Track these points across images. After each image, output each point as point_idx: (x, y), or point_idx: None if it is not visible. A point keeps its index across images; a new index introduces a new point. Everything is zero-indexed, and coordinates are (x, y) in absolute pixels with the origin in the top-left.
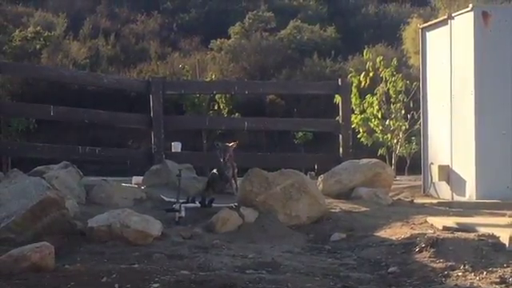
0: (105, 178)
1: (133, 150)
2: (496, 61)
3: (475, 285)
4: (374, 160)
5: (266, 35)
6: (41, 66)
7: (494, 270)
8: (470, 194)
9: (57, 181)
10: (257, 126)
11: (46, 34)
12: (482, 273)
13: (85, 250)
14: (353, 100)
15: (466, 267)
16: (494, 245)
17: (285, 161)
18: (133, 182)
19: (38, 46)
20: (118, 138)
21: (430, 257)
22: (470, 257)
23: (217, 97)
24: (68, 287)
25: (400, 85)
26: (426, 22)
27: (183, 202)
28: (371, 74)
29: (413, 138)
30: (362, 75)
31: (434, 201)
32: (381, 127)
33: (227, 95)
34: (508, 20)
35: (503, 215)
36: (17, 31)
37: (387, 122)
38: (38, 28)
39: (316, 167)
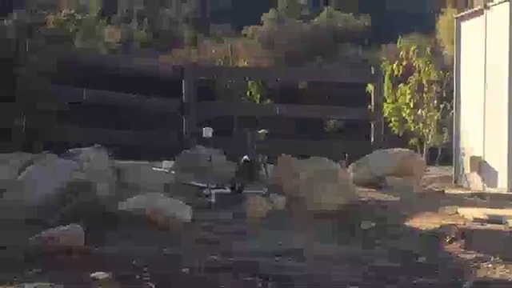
0: (136, 161)
1: (164, 134)
2: None
3: (505, 277)
4: (405, 149)
5: (299, 22)
6: (74, 49)
7: None
8: (502, 185)
9: (88, 164)
10: (288, 113)
11: (79, 18)
12: None
13: (114, 232)
14: (385, 89)
15: (496, 259)
16: None
17: (315, 148)
18: (163, 166)
19: (71, 30)
20: (150, 122)
21: (459, 248)
22: (500, 249)
23: (249, 83)
24: (97, 269)
25: (433, 74)
26: (462, 11)
27: (213, 188)
28: (404, 63)
29: (444, 127)
30: (395, 64)
31: (465, 192)
32: (412, 117)
33: (259, 82)
34: None
35: None
36: (50, 14)
37: (419, 112)
38: (72, 11)
39: (346, 156)
